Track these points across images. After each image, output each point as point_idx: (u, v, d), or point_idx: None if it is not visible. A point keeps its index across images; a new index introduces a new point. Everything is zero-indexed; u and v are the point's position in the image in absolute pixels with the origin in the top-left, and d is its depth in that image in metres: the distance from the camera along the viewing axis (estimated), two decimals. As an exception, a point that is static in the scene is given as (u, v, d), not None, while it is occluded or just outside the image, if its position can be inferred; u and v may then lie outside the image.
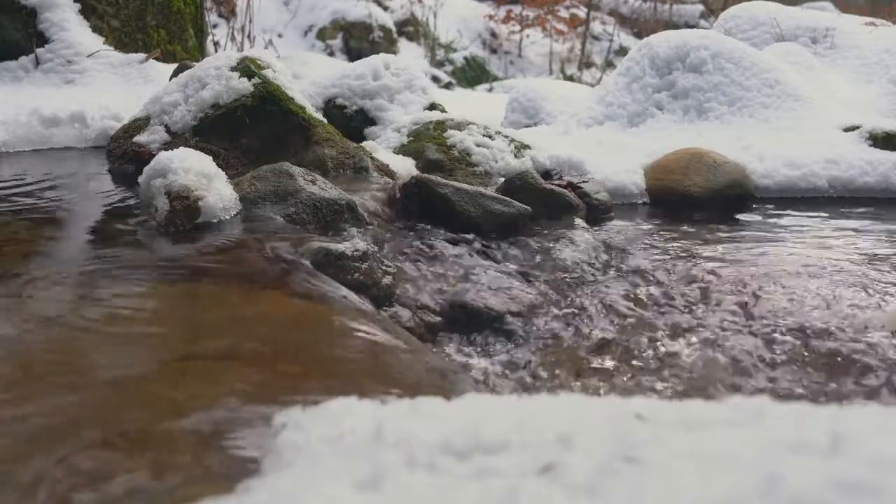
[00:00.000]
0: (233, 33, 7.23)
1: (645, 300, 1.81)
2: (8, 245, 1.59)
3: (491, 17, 12.27)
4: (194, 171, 1.76)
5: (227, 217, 1.75)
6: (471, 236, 2.04)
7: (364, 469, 0.61)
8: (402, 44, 11.04)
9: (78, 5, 3.82)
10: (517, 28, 12.16)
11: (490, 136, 2.90)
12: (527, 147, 2.93)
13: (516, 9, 12.19)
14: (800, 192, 3.15)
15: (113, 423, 0.87)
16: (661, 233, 2.49)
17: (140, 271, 1.46)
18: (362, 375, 1.14)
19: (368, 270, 1.60)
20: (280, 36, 10.02)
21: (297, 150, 2.36)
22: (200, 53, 4.57)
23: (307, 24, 10.61)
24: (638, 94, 3.79)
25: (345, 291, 1.47)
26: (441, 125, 2.92)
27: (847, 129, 3.51)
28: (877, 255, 2.26)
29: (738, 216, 2.82)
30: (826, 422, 0.65)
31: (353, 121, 3.17)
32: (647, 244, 2.31)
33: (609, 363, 1.50)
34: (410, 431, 0.67)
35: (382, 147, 2.79)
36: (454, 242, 1.99)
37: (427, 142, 2.82)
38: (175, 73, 2.86)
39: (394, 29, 10.95)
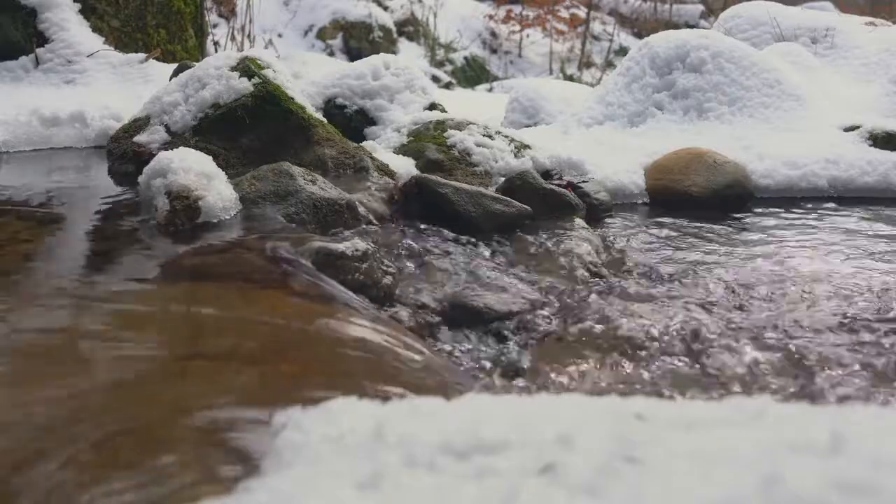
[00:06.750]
0: (233, 33, 7.24)
1: (645, 299, 1.81)
2: (8, 245, 1.59)
3: (491, 17, 12.28)
4: (194, 171, 1.76)
5: (228, 217, 1.75)
6: (471, 236, 2.04)
7: (364, 469, 0.61)
8: (402, 44, 11.04)
9: (78, 5, 3.81)
10: (517, 28, 12.17)
11: (490, 136, 2.90)
12: (527, 147, 2.93)
13: (516, 9, 12.20)
14: (800, 191, 3.15)
15: (113, 423, 0.87)
16: (662, 232, 2.49)
17: (140, 271, 1.47)
18: (362, 375, 1.14)
19: (368, 270, 1.60)
20: (280, 36, 10.02)
21: (297, 150, 2.36)
22: (200, 53, 4.57)
23: (307, 24, 10.61)
24: (638, 93, 3.79)
25: (345, 291, 1.47)
26: (441, 125, 2.92)
27: (847, 129, 3.51)
28: (875, 253, 2.27)
29: (738, 216, 2.82)
30: (826, 422, 0.65)
31: (353, 121, 3.17)
32: (647, 244, 2.31)
33: (609, 361, 1.50)
34: (410, 431, 0.66)
35: (382, 147, 2.78)
36: (454, 242, 1.99)
37: (427, 142, 2.82)
38: (175, 73, 2.86)
39: (394, 29, 10.95)
